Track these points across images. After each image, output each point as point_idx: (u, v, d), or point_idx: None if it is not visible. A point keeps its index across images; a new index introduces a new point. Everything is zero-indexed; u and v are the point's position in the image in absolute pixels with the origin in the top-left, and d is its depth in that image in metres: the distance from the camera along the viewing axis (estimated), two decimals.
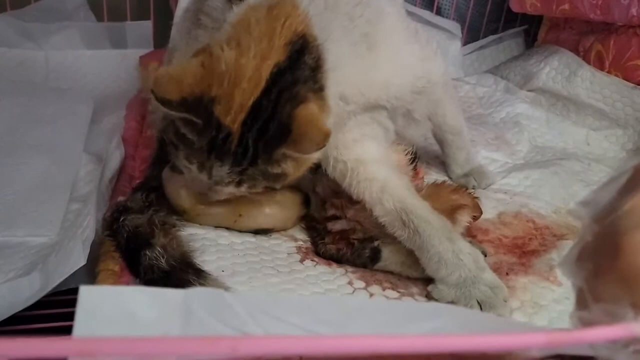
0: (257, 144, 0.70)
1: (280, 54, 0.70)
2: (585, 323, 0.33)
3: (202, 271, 0.76)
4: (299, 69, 0.71)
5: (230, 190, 0.76)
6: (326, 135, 0.69)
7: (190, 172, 0.76)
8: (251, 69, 0.69)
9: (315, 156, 0.76)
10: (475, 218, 0.88)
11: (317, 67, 0.72)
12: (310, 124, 0.69)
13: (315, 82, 0.72)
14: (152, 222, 0.81)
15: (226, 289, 0.73)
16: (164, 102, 0.68)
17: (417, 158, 0.98)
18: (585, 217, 0.36)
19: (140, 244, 0.77)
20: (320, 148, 0.71)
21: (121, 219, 0.80)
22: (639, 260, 0.32)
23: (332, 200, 0.88)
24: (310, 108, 0.70)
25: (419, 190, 0.90)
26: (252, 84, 0.69)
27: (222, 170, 0.72)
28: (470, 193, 0.92)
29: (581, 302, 0.35)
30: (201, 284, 0.73)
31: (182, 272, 0.74)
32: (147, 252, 0.75)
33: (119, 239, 0.79)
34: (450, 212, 0.84)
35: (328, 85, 0.73)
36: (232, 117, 0.69)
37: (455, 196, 0.89)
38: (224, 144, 0.70)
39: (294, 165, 0.74)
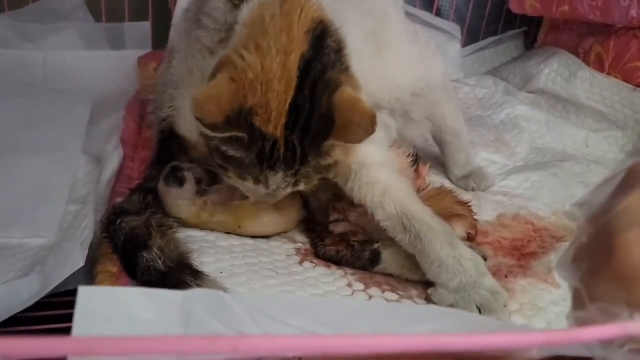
0: (303, 143, 0.70)
1: (302, 43, 0.70)
2: (582, 323, 0.33)
3: (200, 272, 0.75)
4: (324, 54, 0.71)
5: (288, 191, 0.77)
6: (372, 118, 0.68)
7: (244, 186, 0.77)
8: (278, 68, 0.68)
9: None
10: (469, 235, 0.87)
11: (339, 50, 0.72)
12: (352, 109, 0.69)
13: (341, 63, 0.72)
14: (149, 223, 0.80)
15: (224, 290, 0.73)
16: (212, 127, 0.68)
17: (417, 159, 0.98)
18: (581, 218, 0.37)
19: (137, 245, 0.77)
20: (371, 134, 0.69)
21: (118, 221, 0.80)
22: (633, 259, 0.32)
23: (334, 204, 0.88)
24: (346, 92, 0.70)
25: (420, 189, 0.90)
26: (284, 83, 0.68)
27: (277, 178, 0.72)
28: (472, 210, 0.91)
29: (578, 303, 0.35)
30: (198, 285, 0.73)
31: (179, 274, 0.74)
32: (144, 254, 0.75)
33: (116, 241, 0.79)
34: (447, 218, 0.84)
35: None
36: (274, 125, 0.69)
37: (458, 207, 0.89)
38: (272, 152, 0.70)
39: (342, 151, 0.74)
